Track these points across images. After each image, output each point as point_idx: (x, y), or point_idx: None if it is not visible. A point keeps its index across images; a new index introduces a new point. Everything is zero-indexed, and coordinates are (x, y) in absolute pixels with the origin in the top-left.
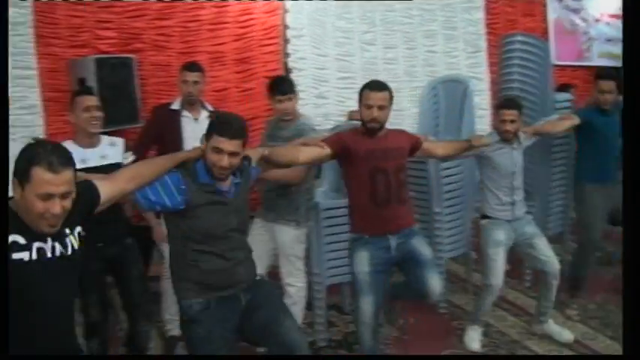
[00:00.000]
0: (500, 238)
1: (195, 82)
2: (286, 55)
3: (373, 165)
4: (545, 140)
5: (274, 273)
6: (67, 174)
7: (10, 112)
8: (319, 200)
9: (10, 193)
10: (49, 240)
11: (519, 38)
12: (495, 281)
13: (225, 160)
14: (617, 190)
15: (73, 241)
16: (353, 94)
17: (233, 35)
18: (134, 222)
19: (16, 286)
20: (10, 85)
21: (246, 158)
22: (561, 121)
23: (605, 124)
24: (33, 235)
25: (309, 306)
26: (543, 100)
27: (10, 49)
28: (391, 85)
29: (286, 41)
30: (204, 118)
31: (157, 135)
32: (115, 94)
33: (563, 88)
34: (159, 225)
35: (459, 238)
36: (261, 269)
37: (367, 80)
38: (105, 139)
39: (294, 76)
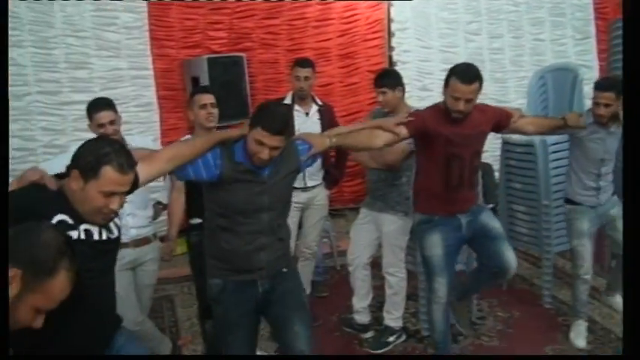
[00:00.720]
0: (583, 227)
1: (307, 78)
2: (390, 48)
3: (451, 151)
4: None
5: (376, 263)
6: (132, 175)
7: (126, 110)
8: None
9: (11, 188)
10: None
11: None
12: (582, 271)
13: (265, 153)
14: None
15: (113, 226)
16: None
17: (338, 31)
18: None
19: None
20: (127, 84)
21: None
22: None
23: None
24: (81, 217)
25: (415, 296)
26: None
27: (127, 52)
28: (497, 75)
29: (390, 35)
30: (314, 112)
31: None
32: (226, 91)
33: None
34: (173, 240)
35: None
36: (364, 258)
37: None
38: None
39: (397, 69)
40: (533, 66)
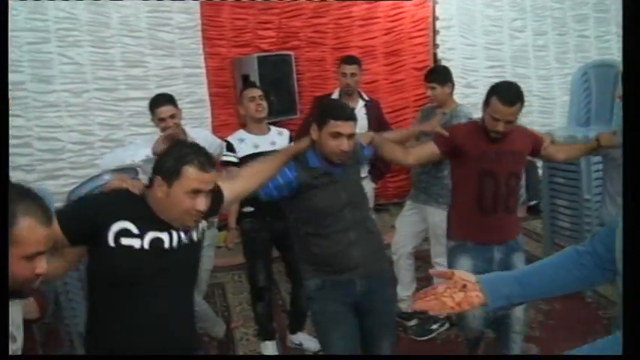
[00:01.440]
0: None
1: (353, 75)
2: (435, 46)
3: (482, 167)
4: None
5: (423, 255)
6: (214, 173)
7: (180, 106)
8: None
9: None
10: (173, 230)
11: None
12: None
13: (345, 144)
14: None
15: (194, 235)
16: None
17: (383, 29)
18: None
19: (126, 274)
20: (181, 82)
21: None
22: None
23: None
24: (149, 226)
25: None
26: None
27: (181, 51)
28: (541, 72)
29: (435, 32)
30: (361, 107)
31: None
32: (275, 88)
33: None
34: (234, 228)
35: None
36: (408, 248)
37: (517, 68)
38: (273, 128)
39: None
40: (578, 63)
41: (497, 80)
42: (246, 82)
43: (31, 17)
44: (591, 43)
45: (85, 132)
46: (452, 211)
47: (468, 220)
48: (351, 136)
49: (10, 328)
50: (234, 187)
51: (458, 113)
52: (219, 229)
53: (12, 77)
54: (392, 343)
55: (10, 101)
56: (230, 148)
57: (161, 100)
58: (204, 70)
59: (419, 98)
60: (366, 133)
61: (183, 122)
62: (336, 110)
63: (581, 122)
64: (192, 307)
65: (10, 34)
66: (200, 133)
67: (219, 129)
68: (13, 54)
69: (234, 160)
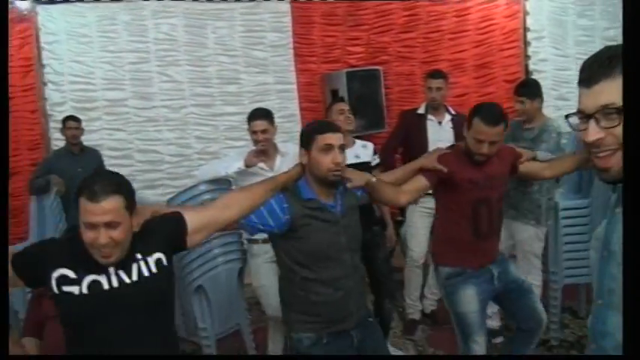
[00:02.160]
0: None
1: (439, 89)
2: (527, 57)
3: (477, 196)
4: None
5: None
6: (110, 203)
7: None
8: (558, 200)
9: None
10: (111, 270)
11: None
12: None
13: (338, 156)
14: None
15: (143, 266)
16: None
17: (473, 42)
18: (392, 215)
19: (72, 321)
20: (273, 97)
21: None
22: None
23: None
24: (87, 269)
25: (545, 306)
26: None
27: (273, 68)
28: None
29: (527, 44)
30: (447, 121)
31: (403, 137)
32: (364, 102)
33: None
34: None
35: None
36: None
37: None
38: (358, 142)
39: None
40: None
41: None
42: (335, 97)
43: (132, 39)
44: None
45: (183, 145)
46: (442, 239)
47: (465, 248)
48: (341, 147)
49: None
50: (199, 216)
51: (547, 127)
52: None
53: (114, 95)
54: None
55: (114, 117)
56: None
57: (257, 115)
58: (295, 86)
59: (511, 111)
60: (363, 174)
61: (275, 137)
62: (320, 126)
63: None
64: (164, 342)
65: (112, 55)
66: (290, 147)
67: None
68: (115, 73)
69: None
